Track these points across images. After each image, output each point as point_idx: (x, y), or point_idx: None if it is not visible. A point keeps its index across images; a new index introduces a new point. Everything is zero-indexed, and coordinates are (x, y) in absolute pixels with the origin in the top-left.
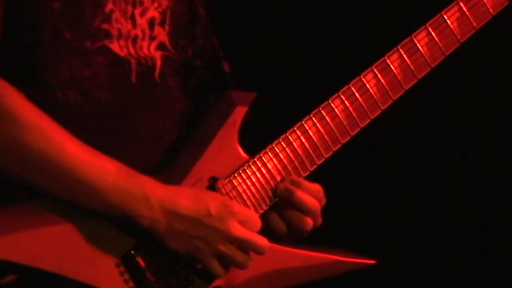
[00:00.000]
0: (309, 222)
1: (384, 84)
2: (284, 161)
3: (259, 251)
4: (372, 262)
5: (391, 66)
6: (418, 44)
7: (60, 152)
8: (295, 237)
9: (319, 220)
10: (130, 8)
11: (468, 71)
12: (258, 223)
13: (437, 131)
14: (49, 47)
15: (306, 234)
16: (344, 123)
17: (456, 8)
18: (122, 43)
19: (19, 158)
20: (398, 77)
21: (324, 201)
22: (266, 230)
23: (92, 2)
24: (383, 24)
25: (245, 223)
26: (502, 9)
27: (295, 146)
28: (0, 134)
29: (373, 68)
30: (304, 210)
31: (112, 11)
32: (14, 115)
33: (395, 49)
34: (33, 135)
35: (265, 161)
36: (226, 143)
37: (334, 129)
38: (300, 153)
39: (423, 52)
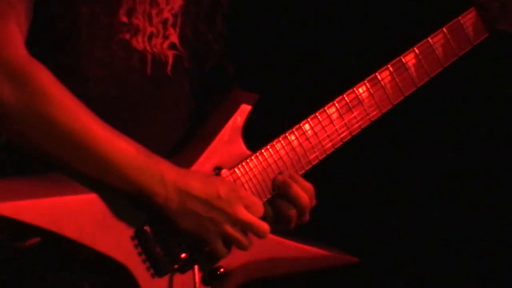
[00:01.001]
0: (295, 216)
1: (375, 98)
2: (283, 158)
3: (260, 234)
4: (355, 259)
5: (381, 82)
6: (406, 64)
7: (84, 129)
8: (279, 228)
9: (307, 217)
10: (148, 8)
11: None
12: (261, 208)
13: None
14: (84, 30)
15: (289, 227)
16: (338, 129)
17: (441, 35)
18: (139, 38)
19: (46, 132)
20: (387, 93)
21: (314, 201)
22: None
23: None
24: (383, 37)
25: (250, 208)
26: (482, 39)
27: (293, 146)
28: (28, 108)
29: (365, 82)
30: (296, 203)
31: (133, 9)
32: (42, 91)
33: (385, 67)
34: (59, 111)
35: (266, 157)
36: (231, 137)
37: (329, 135)
38: (298, 152)
39: (410, 72)
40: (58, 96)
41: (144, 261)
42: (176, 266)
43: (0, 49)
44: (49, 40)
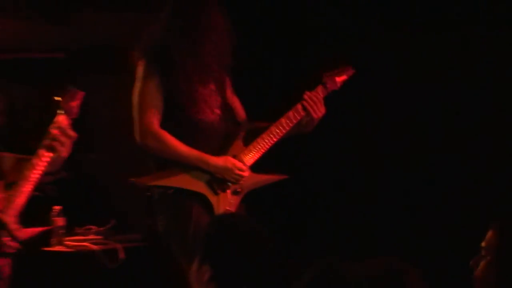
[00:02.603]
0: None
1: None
2: (258, 147)
3: (245, 175)
4: (285, 176)
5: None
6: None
7: (182, 152)
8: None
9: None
10: (210, 100)
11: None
12: (245, 167)
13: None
14: (183, 115)
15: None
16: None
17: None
18: (208, 110)
19: (170, 155)
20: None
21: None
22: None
23: (196, 100)
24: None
25: (240, 168)
26: (326, 94)
27: (265, 140)
28: (162, 149)
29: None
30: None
31: (204, 101)
32: (165, 142)
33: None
34: (172, 148)
35: (251, 148)
36: (238, 144)
37: (280, 134)
38: (265, 144)
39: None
40: (171, 142)
41: (211, 190)
42: (226, 189)
43: (149, 127)
44: (166, 119)
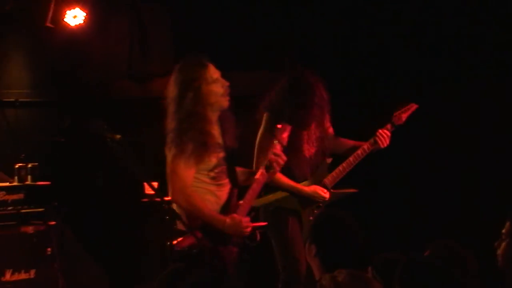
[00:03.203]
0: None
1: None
2: (339, 173)
3: (327, 198)
4: (355, 190)
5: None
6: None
7: (284, 183)
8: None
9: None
10: (312, 137)
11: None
12: (327, 192)
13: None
14: (293, 152)
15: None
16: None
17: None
18: (311, 147)
19: (275, 185)
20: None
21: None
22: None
23: (302, 141)
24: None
25: (323, 195)
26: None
27: (344, 168)
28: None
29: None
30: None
31: (308, 140)
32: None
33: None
34: (277, 181)
35: (334, 174)
36: (324, 169)
37: (355, 162)
38: (343, 171)
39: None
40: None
41: (301, 207)
42: (311, 205)
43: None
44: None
